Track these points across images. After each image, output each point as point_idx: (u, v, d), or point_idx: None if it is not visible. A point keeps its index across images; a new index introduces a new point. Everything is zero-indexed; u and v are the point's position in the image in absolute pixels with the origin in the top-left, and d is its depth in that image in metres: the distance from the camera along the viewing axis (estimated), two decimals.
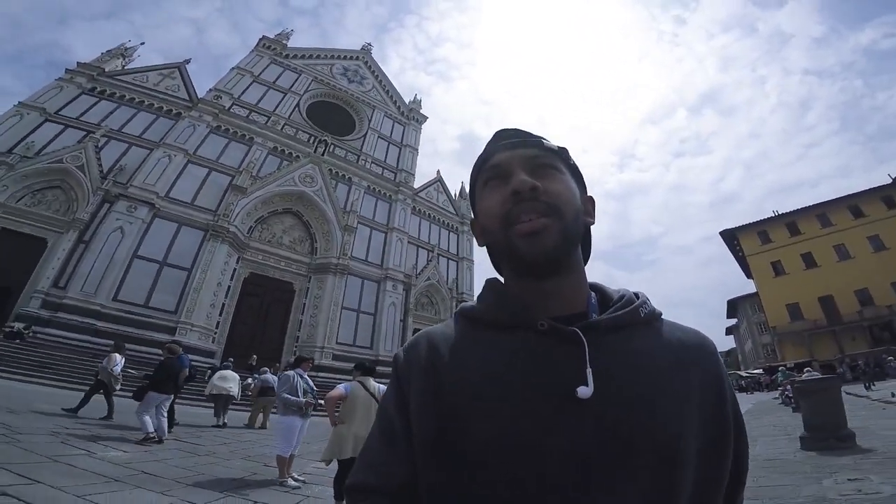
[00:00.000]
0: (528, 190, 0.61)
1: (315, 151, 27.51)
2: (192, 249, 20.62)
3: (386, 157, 33.15)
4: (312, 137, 28.76)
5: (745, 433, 0.63)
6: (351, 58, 36.53)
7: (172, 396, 7.82)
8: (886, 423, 8.15)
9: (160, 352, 16.30)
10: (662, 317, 0.66)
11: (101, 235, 18.89)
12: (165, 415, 7.53)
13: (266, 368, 12.76)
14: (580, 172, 0.73)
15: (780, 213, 35.53)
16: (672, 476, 0.51)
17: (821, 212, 33.41)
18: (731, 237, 37.72)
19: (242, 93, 27.47)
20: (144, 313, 18.43)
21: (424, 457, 0.58)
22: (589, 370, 0.54)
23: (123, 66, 26.24)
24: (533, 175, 0.64)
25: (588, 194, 0.73)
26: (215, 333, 20.22)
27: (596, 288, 0.69)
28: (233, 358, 15.19)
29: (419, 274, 29.44)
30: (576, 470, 0.51)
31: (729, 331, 55.56)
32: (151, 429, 7.00)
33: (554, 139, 0.70)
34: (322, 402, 5.31)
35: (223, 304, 20.98)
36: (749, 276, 37.35)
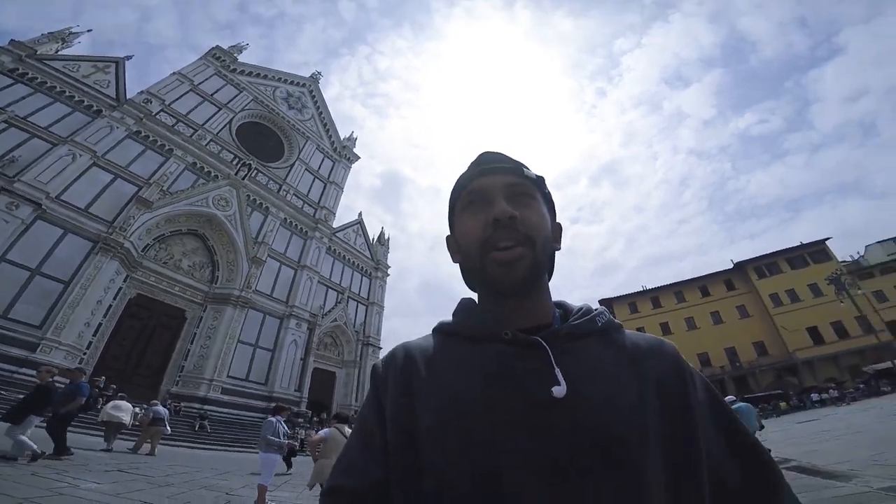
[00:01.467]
0: (507, 219, 0.65)
1: (237, 174, 27.05)
2: (75, 261, 18.74)
3: (309, 191, 33.42)
4: (237, 159, 28.36)
5: (741, 427, 0.65)
6: (297, 83, 36.98)
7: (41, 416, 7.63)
8: None
9: (12, 369, 14.65)
10: (623, 329, 0.69)
11: None
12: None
13: (157, 401, 13.72)
14: (552, 201, 0.78)
15: (646, 287, 42.16)
16: (642, 473, 0.53)
17: (678, 289, 40.69)
18: (608, 305, 43.41)
19: (176, 100, 26.51)
20: (2, 324, 16.11)
21: (399, 462, 0.60)
22: (558, 370, 0.58)
23: (58, 50, 24.17)
24: (512, 203, 0.68)
25: (557, 221, 0.78)
26: (84, 354, 18.08)
27: (560, 304, 0.74)
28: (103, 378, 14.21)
29: (326, 314, 29.34)
30: (547, 470, 0.52)
31: None
32: (35, 446, 6.90)
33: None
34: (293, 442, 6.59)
35: (100, 324, 19.00)
36: None
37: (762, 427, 9.49)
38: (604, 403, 0.57)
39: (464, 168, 0.78)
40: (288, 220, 29.83)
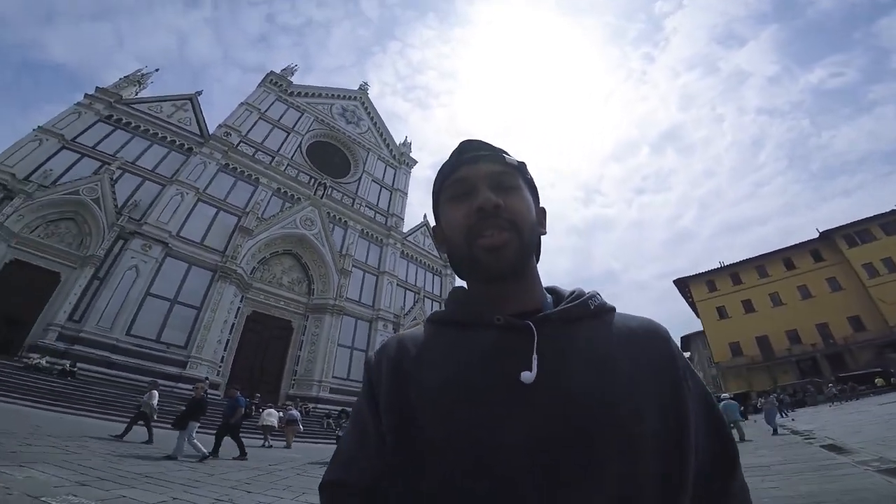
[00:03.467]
0: (492, 207, 0.66)
1: (315, 194, 29.65)
2: (202, 289, 21.97)
3: (378, 200, 35.70)
4: (312, 179, 30.91)
5: (716, 409, 0.67)
6: (349, 98, 39.04)
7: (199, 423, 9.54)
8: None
9: (171, 385, 17.70)
10: (616, 311, 0.70)
11: (118, 273, 19.94)
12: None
13: (291, 405, 16.90)
14: (535, 186, 0.79)
15: (725, 264, 40.36)
16: (634, 463, 0.53)
17: (759, 264, 38.40)
18: (684, 285, 42.28)
19: (249, 130, 29.22)
20: (157, 347, 19.47)
21: (394, 450, 0.60)
22: (535, 357, 0.58)
23: (137, 92, 27.22)
24: (495, 191, 0.69)
25: (541, 206, 0.79)
26: (220, 367, 21.34)
27: (552, 290, 0.75)
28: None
29: (406, 314, 31.49)
30: (535, 453, 0.53)
31: None
32: (204, 449, 8.84)
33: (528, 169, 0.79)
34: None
35: (227, 340, 22.22)
36: (697, 316, 41.67)
37: (745, 418, 10.06)
38: (597, 386, 0.57)
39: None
40: (365, 231, 32.27)
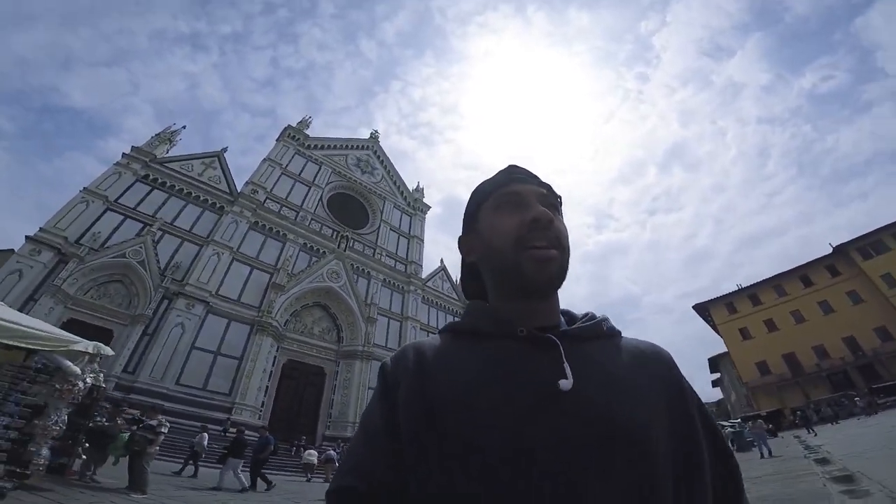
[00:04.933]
0: (548, 221, 0.69)
1: (339, 247, 31.71)
2: (241, 341, 23.61)
3: (397, 248, 37.60)
4: (335, 232, 33.04)
5: (720, 432, 0.70)
6: (362, 147, 41.37)
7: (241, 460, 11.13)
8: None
9: (220, 428, 18.79)
10: (622, 334, 0.74)
11: (165, 329, 21.73)
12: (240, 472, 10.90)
13: (328, 446, 19.55)
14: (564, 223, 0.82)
15: (742, 286, 40.86)
16: (650, 466, 0.56)
17: (777, 283, 38.89)
18: (704, 309, 42.57)
19: (274, 186, 31.26)
20: (203, 395, 20.85)
21: (413, 455, 0.59)
22: (566, 365, 0.61)
23: (168, 150, 28.78)
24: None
25: None
26: (261, 411, 22.48)
27: (564, 312, 0.78)
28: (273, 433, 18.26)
29: None
30: (559, 460, 0.54)
31: (714, 383, 57.75)
32: (245, 482, 10.41)
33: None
34: None
35: (266, 387, 23.49)
36: (721, 338, 41.49)
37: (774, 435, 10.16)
38: (616, 397, 0.60)
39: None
40: (387, 280, 34.01)
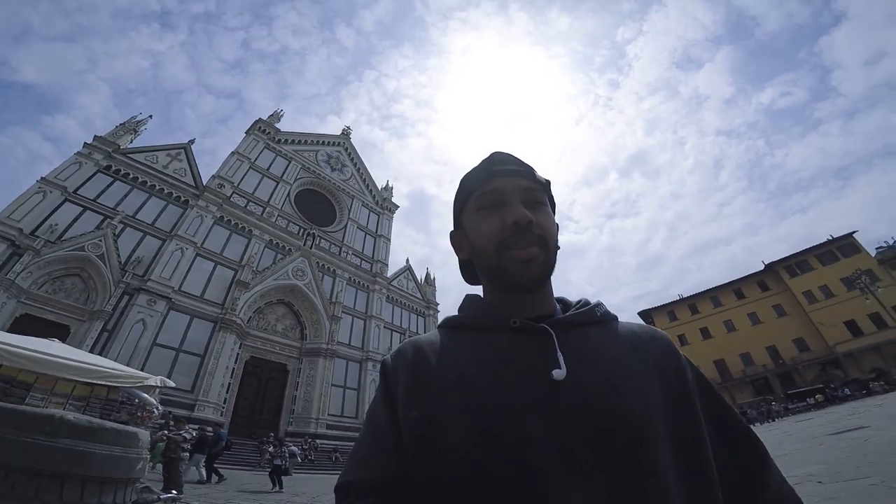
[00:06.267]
0: (527, 223, 0.69)
1: (304, 244, 31.88)
2: (204, 338, 23.82)
3: (363, 247, 38.10)
4: (301, 230, 33.22)
5: (721, 398, 0.72)
6: (333, 143, 41.19)
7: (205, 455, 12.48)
8: None
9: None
10: (619, 319, 0.75)
11: (126, 326, 21.61)
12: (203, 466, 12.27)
13: (289, 440, 18.88)
14: (555, 203, 0.83)
15: (683, 296, 44.46)
16: (650, 451, 0.56)
17: (714, 294, 42.75)
18: (647, 316, 45.98)
19: (241, 180, 30.97)
20: (166, 392, 20.90)
21: (414, 448, 0.61)
22: (560, 355, 0.62)
23: (132, 140, 27.93)
24: (527, 207, 0.72)
25: (556, 221, 0.80)
26: (223, 408, 22.90)
27: (559, 299, 0.79)
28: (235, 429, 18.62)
29: None
30: (558, 448, 0.55)
31: None
32: (204, 476, 11.85)
33: None
34: None
35: (229, 384, 23.87)
36: None
37: None
38: (612, 383, 0.60)
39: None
40: (352, 279, 34.62)
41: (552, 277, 0.76)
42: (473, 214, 0.77)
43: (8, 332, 19.85)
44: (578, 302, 0.77)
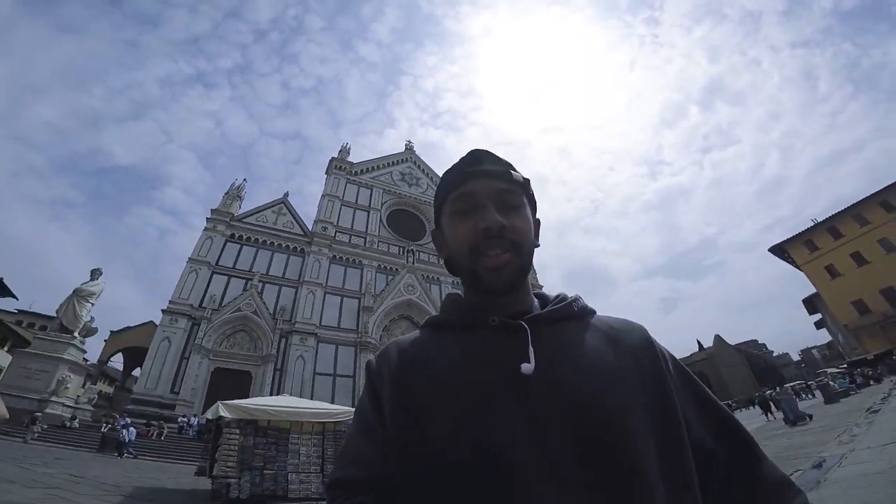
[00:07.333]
0: (498, 229, 0.69)
1: (407, 261, 35.03)
2: (350, 361, 27.63)
3: None
4: (401, 249, 36.43)
5: (701, 386, 0.72)
6: (402, 161, 44.02)
7: None
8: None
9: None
10: (596, 313, 0.77)
11: (290, 363, 26.19)
12: None
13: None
14: (535, 200, 0.81)
15: (818, 220, 38.27)
16: (626, 443, 0.57)
17: (856, 212, 35.45)
18: (782, 251, 40.29)
19: (338, 219, 34.93)
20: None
21: (400, 445, 0.63)
22: (531, 350, 0.63)
23: (240, 205, 32.77)
24: (500, 210, 0.71)
25: (537, 217, 0.80)
26: None
27: (539, 295, 0.80)
28: None
29: None
30: (533, 438, 0.57)
31: (819, 325, 51.90)
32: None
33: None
34: None
35: None
36: (810, 280, 39.07)
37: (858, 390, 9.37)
38: (585, 377, 0.62)
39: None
40: (455, 282, 36.56)
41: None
42: (448, 219, 0.77)
43: (208, 383, 25.82)
44: (556, 297, 0.78)
